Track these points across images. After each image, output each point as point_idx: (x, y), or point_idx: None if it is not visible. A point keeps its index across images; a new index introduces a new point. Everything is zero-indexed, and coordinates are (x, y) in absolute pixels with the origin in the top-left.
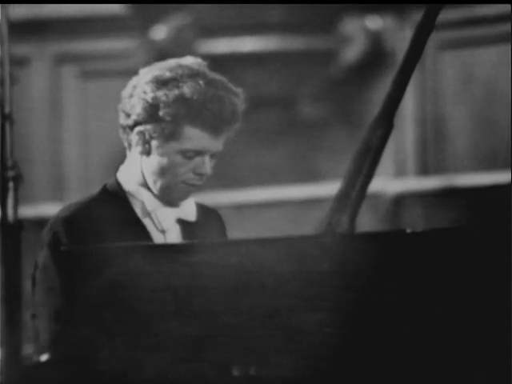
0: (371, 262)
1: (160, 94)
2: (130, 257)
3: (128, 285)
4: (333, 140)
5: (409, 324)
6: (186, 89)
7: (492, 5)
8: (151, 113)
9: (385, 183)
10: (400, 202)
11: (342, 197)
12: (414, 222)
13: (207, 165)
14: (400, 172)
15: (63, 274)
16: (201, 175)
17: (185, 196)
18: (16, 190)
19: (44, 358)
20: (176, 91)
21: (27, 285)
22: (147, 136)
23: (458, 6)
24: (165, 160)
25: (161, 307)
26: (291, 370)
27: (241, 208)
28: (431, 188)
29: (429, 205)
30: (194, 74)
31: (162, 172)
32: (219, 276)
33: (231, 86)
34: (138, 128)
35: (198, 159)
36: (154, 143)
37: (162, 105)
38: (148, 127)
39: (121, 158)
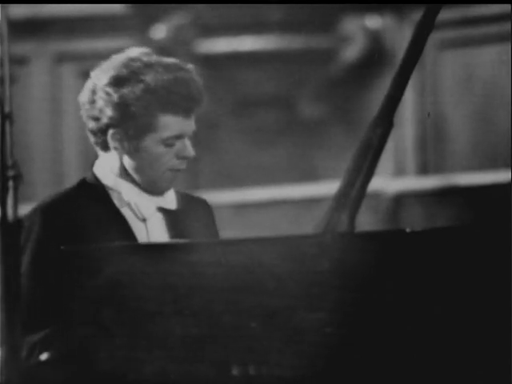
0: (371, 262)
1: (125, 91)
2: (130, 256)
3: (127, 284)
4: (332, 139)
5: (409, 323)
6: (149, 80)
7: (492, 4)
8: (123, 112)
9: (384, 182)
10: (400, 201)
11: (341, 196)
12: (414, 221)
13: (189, 147)
14: (400, 171)
15: (63, 274)
16: (184, 158)
17: (171, 184)
18: (16, 189)
19: (44, 357)
20: (140, 85)
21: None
22: (123, 135)
23: (457, 5)
24: (147, 154)
25: (160, 307)
26: (291, 369)
27: (240, 207)
28: (431, 187)
29: (428, 204)
30: (149, 64)
31: (147, 166)
32: (218, 275)
33: (183, 64)
34: (113, 130)
35: (178, 144)
36: (132, 141)
37: (130, 102)
38: (123, 127)
39: None
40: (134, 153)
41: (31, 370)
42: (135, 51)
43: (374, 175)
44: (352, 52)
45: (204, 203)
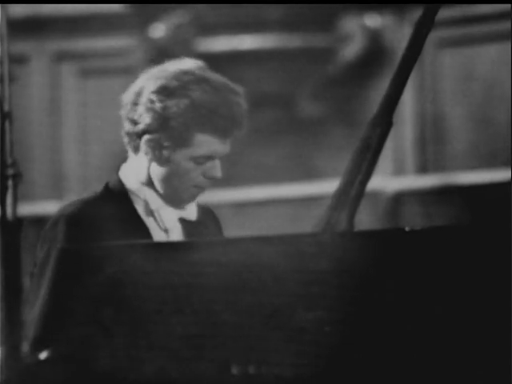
0: (370, 260)
1: (170, 103)
2: (130, 255)
3: (128, 283)
4: (332, 138)
5: (408, 323)
6: (195, 97)
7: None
8: (162, 122)
9: (384, 181)
10: (399, 200)
11: (340, 195)
12: (413, 220)
13: (218, 168)
14: (399, 170)
15: (63, 272)
16: (212, 178)
17: (193, 199)
18: (15, 187)
19: (44, 356)
20: (185, 100)
21: (27, 282)
22: (157, 144)
23: (457, 3)
24: (176, 167)
25: (160, 305)
26: (291, 368)
27: (240, 206)
28: (430, 186)
29: (428, 203)
30: (199, 80)
31: (174, 178)
32: (218, 274)
33: (233, 86)
34: (148, 136)
35: (208, 163)
36: (164, 151)
37: (172, 115)
38: (158, 136)
39: (120, 156)
40: (163, 162)
41: (31, 369)
42: (189, 63)
43: (373, 174)
44: (351, 51)
45: (212, 213)
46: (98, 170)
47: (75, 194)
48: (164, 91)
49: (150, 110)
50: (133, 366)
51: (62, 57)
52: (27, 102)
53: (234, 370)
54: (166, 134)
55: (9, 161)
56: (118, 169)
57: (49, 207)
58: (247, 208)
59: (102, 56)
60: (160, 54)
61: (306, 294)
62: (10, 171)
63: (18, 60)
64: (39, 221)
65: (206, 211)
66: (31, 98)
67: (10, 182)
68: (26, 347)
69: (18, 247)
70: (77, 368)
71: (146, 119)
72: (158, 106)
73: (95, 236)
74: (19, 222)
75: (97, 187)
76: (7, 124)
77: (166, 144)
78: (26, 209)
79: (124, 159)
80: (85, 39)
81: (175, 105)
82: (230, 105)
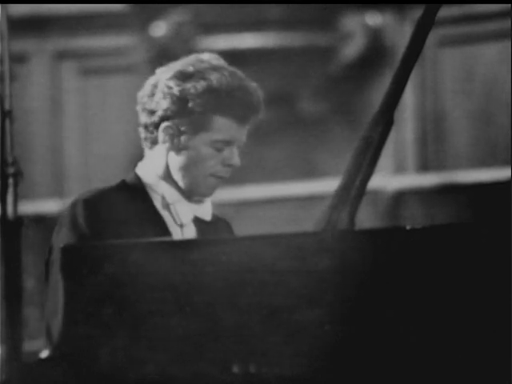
0: (371, 259)
1: (188, 86)
2: (131, 254)
3: (128, 282)
4: (332, 137)
5: (409, 321)
6: (214, 79)
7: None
8: (180, 106)
9: (385, 180)
10: (400, 198)
11: (341, 193)
12: (414, 218)
13: (236, 155)
14: (400, 168)
15: (63, 271)
16: (230, 166)
17: (212, 190)
18: (16, 186)
19: (44, 355)
20: (203, 82)
21: (27, 281)
22: (176, 130)
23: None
24: (195, 153)
25: (161, 304)
26: (292, 367)
27: (241, 205)
28: (431, 184)
29: (428, 201)
30: (216, 67)
31: (192, 165)
32: (219, 273)
33: (245, 76)
34: (166, 123)
35: (227, 150)
36: (183, 137)
37: (190, 97)
38: (176, 121)
39: (121, 154)
40: (181, 150)
41: (31, 369)
42: (205, 55)
43: (374, 172)
44: (352, 50)
45: (227, 224)
46: (99, 167)
47: (76, 193)
48: (181, 76)
49: (167, 95)
50: (133, 365)
51: (62, 55)
52: (28, 100)
53: (235, 369)
54: (185, 118)
55: (9, 159)
56: (134, 166)
57: (49, 206)
58: (248, 207)
59: (102, 55)
60: (161, 52)
61: (306, 293)
62: (11, 170)
63: (19, 59)
64: (40, 219)
65: (222, 222)
66: (32, 97)
67: (10, 181)
68: (55, 338)
69: (19, 246)
70: (77, 367)
71: (163, 105)
72: (175, 89)
73: (111, 224)
74: (20, 220)
75: (99, 185)
76: (8, 123)
77: (184, 129)
78: (27, 207)
79: (129, 156)
80: (85, 38)
81: (193, 87)
82: (248, 89)
